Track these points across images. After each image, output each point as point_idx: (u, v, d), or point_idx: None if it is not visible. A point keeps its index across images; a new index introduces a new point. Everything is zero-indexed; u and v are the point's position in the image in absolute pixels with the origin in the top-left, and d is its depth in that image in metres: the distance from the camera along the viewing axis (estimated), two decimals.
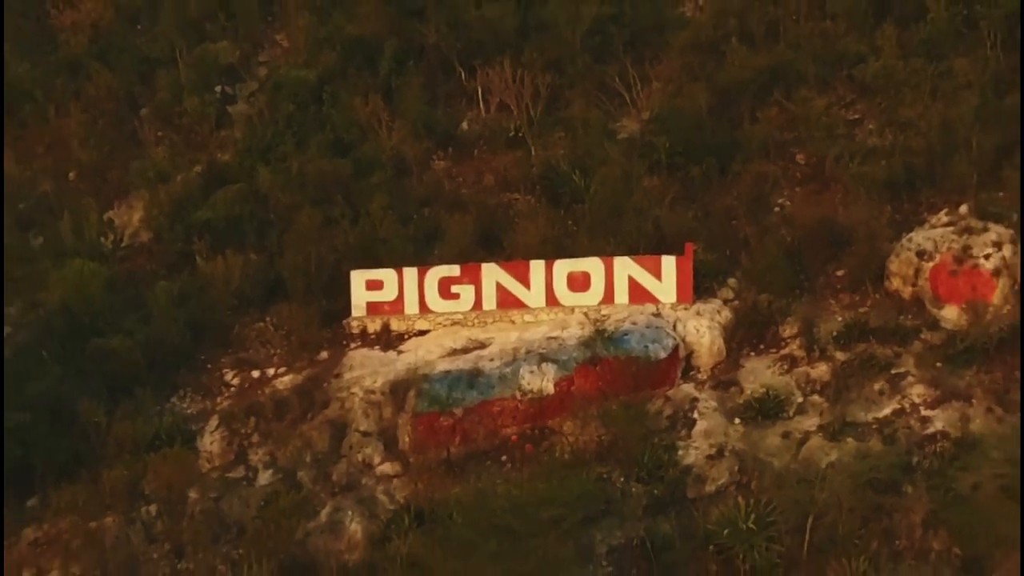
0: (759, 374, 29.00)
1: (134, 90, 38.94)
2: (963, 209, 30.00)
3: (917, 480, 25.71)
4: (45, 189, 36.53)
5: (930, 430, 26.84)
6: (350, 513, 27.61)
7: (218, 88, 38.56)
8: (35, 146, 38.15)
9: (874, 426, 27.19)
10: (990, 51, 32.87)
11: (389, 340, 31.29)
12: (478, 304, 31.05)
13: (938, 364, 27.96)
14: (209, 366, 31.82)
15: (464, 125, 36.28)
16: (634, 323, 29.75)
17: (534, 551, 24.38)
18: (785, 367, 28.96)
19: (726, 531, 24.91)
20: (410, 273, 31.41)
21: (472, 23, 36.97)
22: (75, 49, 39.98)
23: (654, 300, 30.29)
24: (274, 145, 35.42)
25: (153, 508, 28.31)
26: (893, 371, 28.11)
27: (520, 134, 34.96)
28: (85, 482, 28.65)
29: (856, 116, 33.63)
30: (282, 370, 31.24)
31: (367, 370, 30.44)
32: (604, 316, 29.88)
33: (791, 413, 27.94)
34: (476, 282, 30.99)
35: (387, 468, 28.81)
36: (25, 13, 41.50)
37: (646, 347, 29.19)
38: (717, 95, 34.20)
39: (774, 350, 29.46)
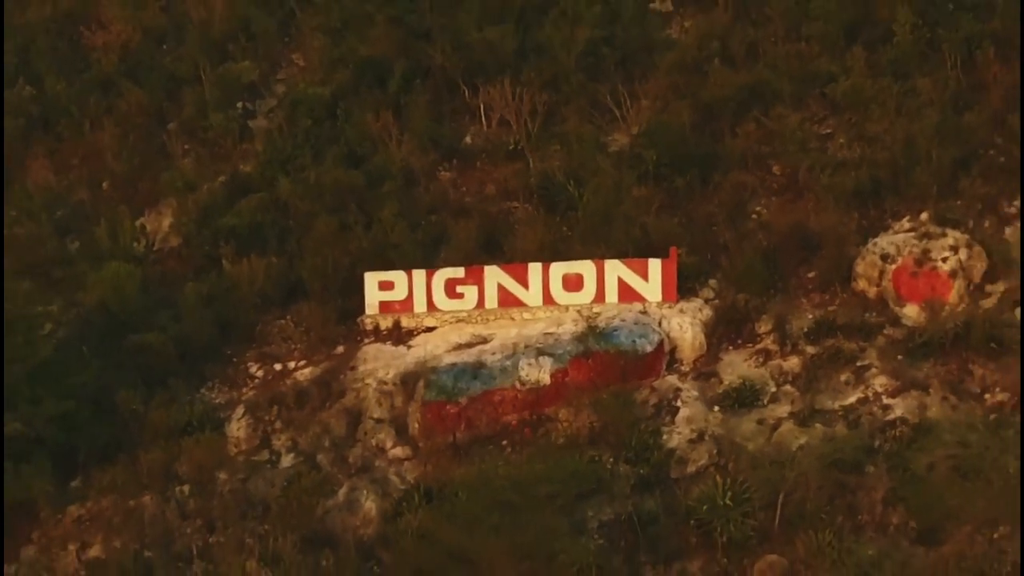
0: (736, 366, 29.72)
1: (162, 106, 38.99)
2: (924, 216, 30.87)
3: (878, 461, 26.56)
4: (81, 198, 36.84)
5: (891, 416, 27.66)
6: (365, 492, 28.39)
7: (240, 104, 38.70)
8: (71, 158, 38.35)
9: (840, 413, 28.01)
10: (950, 71, 33.04)
11: (400, 336, 31.96)
12: (481, 303, 31.66)
13: (899, 357, 28.79)
14: (235, 360, 32.49)
15: (467, 139, 36.65)
16: (623, 320, 30.50)
17: (532, 524, 25.26)
18: (760, 360, 29.73)
19: (705, 507, 25.82)
20: (419, 275, 31.97)
21: (474, 45, 37.09)
22: (107, 68, 39.80)
23: (641, 299, 30.95)
24: (293, 157, 35.65)
25: (186, 488, 29.16)
26: (858, 363, 28.90)
27: (519, 147, 35.26)
28: (124, 464, 29.46)
29: (827, 131, 33.94)
30: (302, 363, 31.90)
31: (380, 363, 31.17)
32: (596, 314, 30.47)
33: (765, 401, 28.73)
34: (479, 283, 31.59)
35: (398, 452, 29.65)
36: (59, 34, 41.25)
37: (634, 342, 29.98)
38: (700, 111, 34.46)
39: (750, 345, 30.19)
